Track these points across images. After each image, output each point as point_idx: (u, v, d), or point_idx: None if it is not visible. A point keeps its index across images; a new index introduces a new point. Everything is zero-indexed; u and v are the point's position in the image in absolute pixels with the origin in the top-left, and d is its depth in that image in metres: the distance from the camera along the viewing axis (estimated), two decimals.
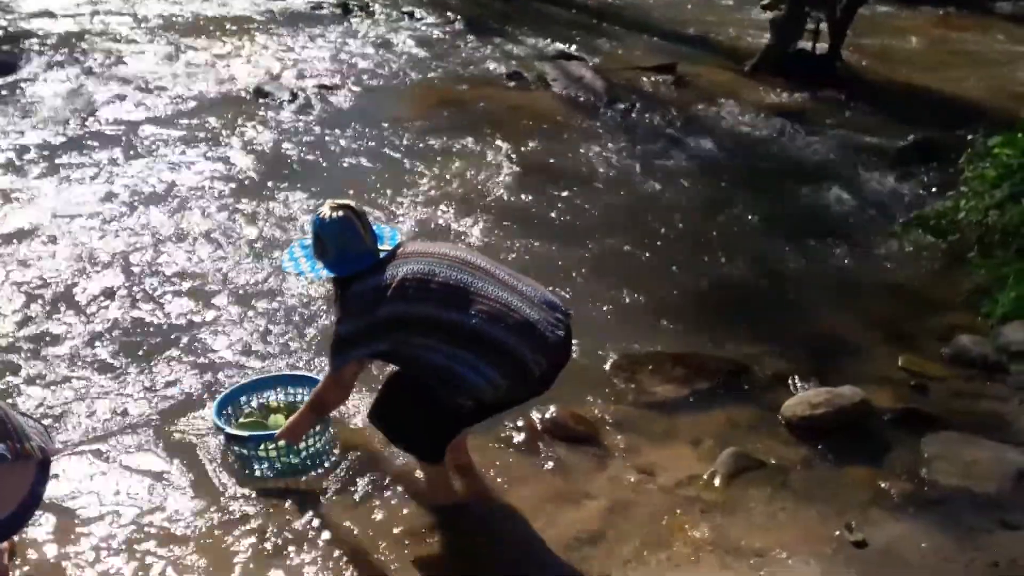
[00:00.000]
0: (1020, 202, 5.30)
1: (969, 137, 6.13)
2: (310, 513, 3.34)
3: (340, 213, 3.15)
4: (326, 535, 3.26)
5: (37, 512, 2.75)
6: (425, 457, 3.35)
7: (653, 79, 8.62)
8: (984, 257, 5.32)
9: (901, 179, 6.67)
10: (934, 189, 6.39)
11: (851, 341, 4.69)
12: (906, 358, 4.48)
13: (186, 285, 4.75)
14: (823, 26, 9.15)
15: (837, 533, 3.35)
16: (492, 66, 8.73)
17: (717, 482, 3.62)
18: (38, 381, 3.95)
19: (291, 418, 3.37)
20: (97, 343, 4.24)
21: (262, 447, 3.45)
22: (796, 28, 9.14)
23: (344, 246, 3.14)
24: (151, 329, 4.39)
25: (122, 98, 7.15)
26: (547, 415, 3.88)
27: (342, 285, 3.18)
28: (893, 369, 4.42)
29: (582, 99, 7.96)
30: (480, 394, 3.08)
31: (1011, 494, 3.58)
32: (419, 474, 3.45)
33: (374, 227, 3.24)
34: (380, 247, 3.20)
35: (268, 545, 3.20)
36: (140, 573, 3.06)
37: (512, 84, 8.24)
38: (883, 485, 3.62)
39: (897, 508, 3.51)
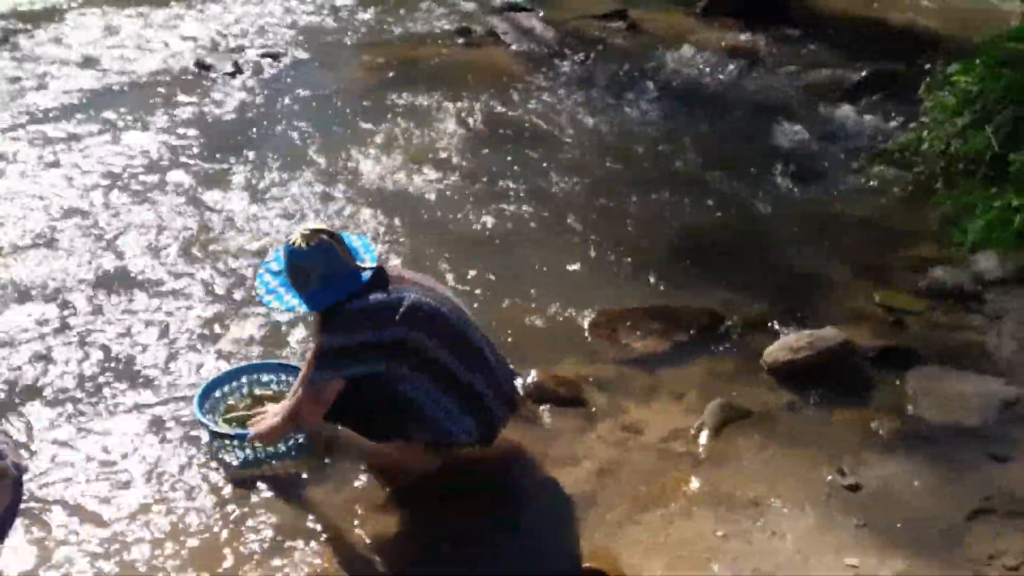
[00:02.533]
0: (982, 129, 5.28)
1: (927, 66, 6.08)
2: (298, 496, 3.27)
3: (315, 241, 3.01)
4: (314, 516, 3.19)
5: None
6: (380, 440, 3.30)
7: (605, 26, 8.45)
8: (950, 187, 5.31)
9: (861, 112, 6.61)
10: (895, 121, 6.33)
11: (825, 280, 4.66)
12: (882, 294, 4.46)
13: (139, 272, 4.57)
14: None
15: (830, 478, 3.34)
16: (440, 23, 8.49)
17: (705, 435, 3.58)
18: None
19: (266, 422, 3.25)
20: (45, 333, 4.07)
21: (245, 445, 3.34)
22: None
23: (329, 272, 3.02)
24: (111, 312, 4.21)
25: (54, 78, 6.83)
26: (528, 379, 3.80)
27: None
28: (870, 306, 4.40)
29: (535, 51, 7.78)
30: (450, 439, 3.14)
31: (996, 426, 3.59)
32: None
33: (345, 241, 3.12)
34: (359, 264, 3.09)
35: (261, 533, 3.12)
36: (132, 564, 2.99)
37: (461, 40, 8.02)
38: (871, 425, 3.61)
39: (886, 448, 3.50)
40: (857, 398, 3.77)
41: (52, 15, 8.14)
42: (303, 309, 3.08)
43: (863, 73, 7.15)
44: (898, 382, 3.84)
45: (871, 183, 5.65)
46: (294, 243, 3.02)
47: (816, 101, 6.87)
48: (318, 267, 3.01)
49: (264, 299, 3.13)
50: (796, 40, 8.20)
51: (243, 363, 3.81)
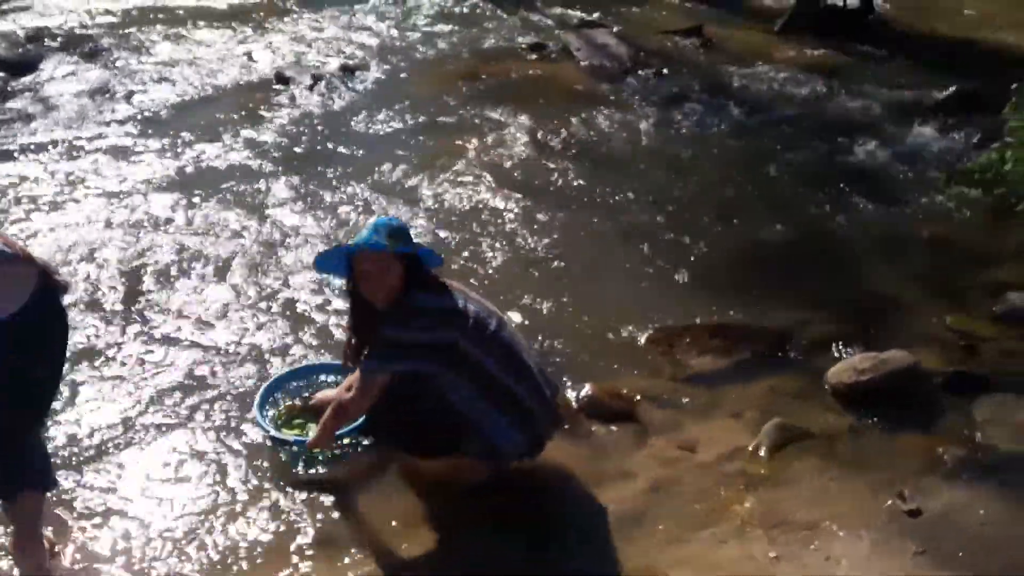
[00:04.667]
0: None
1: (1012, 87, 5.89)
2: (349, 502, 3.30)
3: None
4: (360, 525, 3.22)
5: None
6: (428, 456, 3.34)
7: (680, 43, 8.43)
8: None
9: (942, 132, 6.45)
10: (977, 141, 6.16)
11: (896, 302, 4.55)
12: (954, 318, 4.33)
13: (217, 273, 4.69)
14: None
15: (889, 503, 3.24)
16: (514, 38, 8.58)
17: (762, 455, 3.51)
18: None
19: (317, 428, 3.29)
20: (129, 330, 4.20)
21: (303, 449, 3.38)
22: None
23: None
24: (183, 316, 4.33)
25: (143, 91, 7.10)
26: (583, 393, 3.79)
27: (404, 290, 3.09)
28: (941, 329, 4.28)
29: (607, 67, 7.79)
30: (498, 452, 3.19)
31: None
32: None
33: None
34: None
35: (309, 536, 3.16)
36: (178, 564, 3.04)
37: (535, 56, 8.09)
38: (936, 451, 3.49)
39: (951, 475, 3.38)
40: (923, 424, 3.66)
41: (141, 28, 8.48)
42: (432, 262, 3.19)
43: (946, 92, 6.98)
44: (966, 409, 3.71)
45: (950, 204, 5.50)
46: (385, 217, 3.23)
47: (896, 120, 6.73)
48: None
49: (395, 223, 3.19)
50: (877, 58, 8.06)
51: (303, 364, 3.88)
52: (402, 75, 7.64)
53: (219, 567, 3.03)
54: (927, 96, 7.02)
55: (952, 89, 6.96)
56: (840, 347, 4.12)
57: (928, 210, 5.45)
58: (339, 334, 4.13)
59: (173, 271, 4.72)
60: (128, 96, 7.00)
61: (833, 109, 7.02)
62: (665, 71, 7.66)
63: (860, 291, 4.66)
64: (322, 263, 3.29)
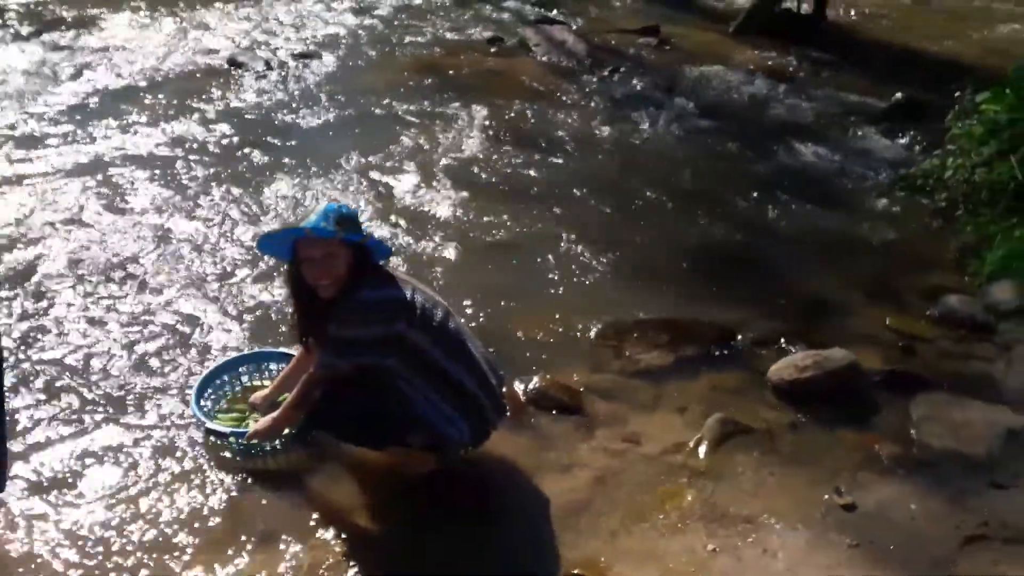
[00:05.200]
0: (1007, 159, 5.23)
1: (956, 94, 6.04)
2: (292, 493, 3.27)
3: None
4: (304, 514, 3.20)
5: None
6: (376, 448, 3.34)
7: (636, 42, 8.50)
8: (971, 216, 5.26)
9: (888, 138, 6.60)
10: (921, 147, 6.32)
11: (838, 302, 4.64)
12: (894, 318, 4.43)
13: (155, 259, 4.64)
14: None
15: (826, 497, 3.31)
16: (473, 31, 8.58)
17: (703, 449, 3.57)
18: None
19: (271, 415, 3.26)
20: (65, 320, 4.14)
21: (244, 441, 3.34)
22: None
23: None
24: (123, 305, 4.28)
25: (91, 71, 6.97)
26: (531, 385, 3.82)
27: (349, 285, 3.05)
28: (881, 330, 4.37)
29: (564, 64, 7.83)
30: (444, 440, 3.16)
31: (1000, 455, 3.55)
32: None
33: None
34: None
35: (249, 528, 3.14)
36: (111, 557, 3.00)
37: (493, 49, 8.10)
38: (872, 448, 3.58)
39: (887, 471, 3.47)
40: (860, 421, 3.74)
41: (92, 7, 8.31)
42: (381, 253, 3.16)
43: (894, 99, 7.13)
44: (903, 407, 3.80)
45: (893, 208, 5.62)
46: (335, 203, 3.16)
47: (844, 124, 6.87)
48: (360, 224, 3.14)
49: (342, 208, 3.12)
50: (828, 63, 8.20)
51: (239, 353, 3.83)
52: (357, 64, 7.60)
53: (155, 560, 2.99)
54: (875, 103, 7.17)
55: (899, 96, 7.12)
56: (782, 345, 4.19)
57: (872, 214, 5.57)
58: (276, 319, 4.12)
59: (107, 257, 4.65)
60: (76, 76, 6.87)
61: (783, 112, 7.13)
62: (621, 69, 7.72)
63: (803, 291, 4.75)
64: (266, 245, 3.25)
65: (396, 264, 4.18)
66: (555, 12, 9.23)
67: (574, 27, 8.73)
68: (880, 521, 3.22)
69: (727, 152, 6.33)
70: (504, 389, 3.40)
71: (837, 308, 4.59)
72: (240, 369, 3.69)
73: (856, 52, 8.49)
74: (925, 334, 4.33)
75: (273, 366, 3.68)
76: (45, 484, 3.26)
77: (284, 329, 4.05)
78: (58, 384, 3.74)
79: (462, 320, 3.40)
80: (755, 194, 5.72)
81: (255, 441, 3.30)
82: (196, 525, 3.12)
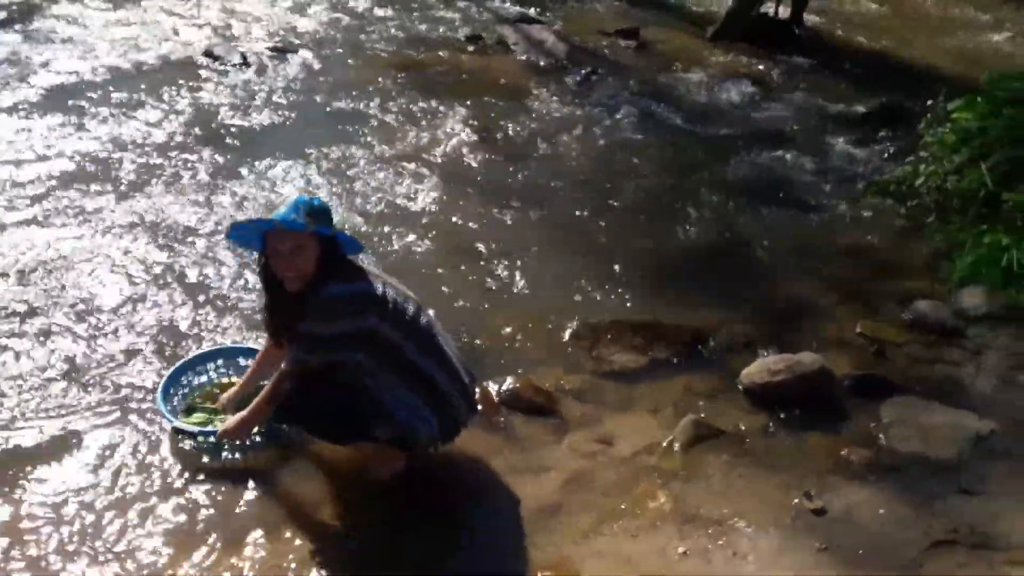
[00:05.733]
0: (978, 167, 5.28)
1: (930, 102, 6.10)
2: (259, 492, 3.24)
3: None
4: (273, 512, 3.16)
5: None
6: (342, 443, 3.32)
7: (616, 44, 8.51)
8: (942, 222, 5.32)
9: (862, 144, 6.65)
10: (893, 154, 6.37)
11: (810, 307, 4.67)
12: (865, 323, 4.46)
13: (124, 253, 4.58)
14: None
15: (796, 501, 3.33)
16: (452, 28, 8.55)
17: (676, 450, 3.58)
18: None
19: (239, 413, 3.22)
20: (32, 316, 4.07)
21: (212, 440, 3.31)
22: None
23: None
24: (92, 303, 4.22)
25: (62, 58, 6.88)
26: (504, 386, 3.81)
27: (318, 280, 3.02)
28: (852, 334, 4.40)
29: (543, 64, 7.83)
30: (413, 435, 3.14)
31: (968, 460, 3.58)
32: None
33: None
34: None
35: (219, 525, 3.10)
36: (77, 558, 2.95)
37: (472, 48, 8.08)
38: (842, 452, 3.60)
39: (856, 475, 3.49)
40: (831, 424, 3.76)
41: None
42: (339, 236, 3.11)
43: (869, 105, 7.20)
44: (873, 411, 3.83)
45: (865, 214, 5.66)
46: (307, 195, 3.12)
47: (819, 130, 6.91)
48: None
49: (315, 201, 3.09)
50: (805, 69, 8.26)
51: (206, 349, 3.79)
52: (335, 59, 7.55)
53: (119, 561, 2.94)
54: (849, 109, 7.23)
55: (875, 103, 7.18)
56: (755, 348, 4.21)
57: (845, 220, 5.61)
58: (246, 312, 4.09)
59: (76, 250, 4.58)
60: (48, 65, 6.77)
61: (760, 117, 7.17)
62: (600, 70, 7.72)
63: (776, 295, 4.78)
64: (236, 235, 3.20)
65: (369, 261, 4.14)
66: (534, 11, 9.22)
67: (553, 27, 8.72)
68: (849, 525, 3.24)
69: (703, 156, 6.35)
70: (476, 387, 3.38)
71: (809, 312, 4.61)
72: (208, 365, 3.65)
73: (833, 58, 8.56)
74: (896, 339, 4.37)
75: (242, 361, 3.64)
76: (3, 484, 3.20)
77: (258, 321, 3.98)
78: (18, 383, 3.67)
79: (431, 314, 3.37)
80: (730, 198, 5.75)
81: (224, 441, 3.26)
82: (162, 526, 3.07)
